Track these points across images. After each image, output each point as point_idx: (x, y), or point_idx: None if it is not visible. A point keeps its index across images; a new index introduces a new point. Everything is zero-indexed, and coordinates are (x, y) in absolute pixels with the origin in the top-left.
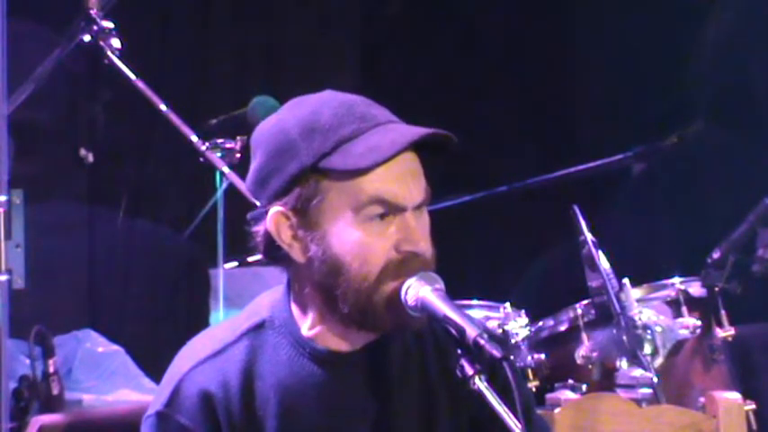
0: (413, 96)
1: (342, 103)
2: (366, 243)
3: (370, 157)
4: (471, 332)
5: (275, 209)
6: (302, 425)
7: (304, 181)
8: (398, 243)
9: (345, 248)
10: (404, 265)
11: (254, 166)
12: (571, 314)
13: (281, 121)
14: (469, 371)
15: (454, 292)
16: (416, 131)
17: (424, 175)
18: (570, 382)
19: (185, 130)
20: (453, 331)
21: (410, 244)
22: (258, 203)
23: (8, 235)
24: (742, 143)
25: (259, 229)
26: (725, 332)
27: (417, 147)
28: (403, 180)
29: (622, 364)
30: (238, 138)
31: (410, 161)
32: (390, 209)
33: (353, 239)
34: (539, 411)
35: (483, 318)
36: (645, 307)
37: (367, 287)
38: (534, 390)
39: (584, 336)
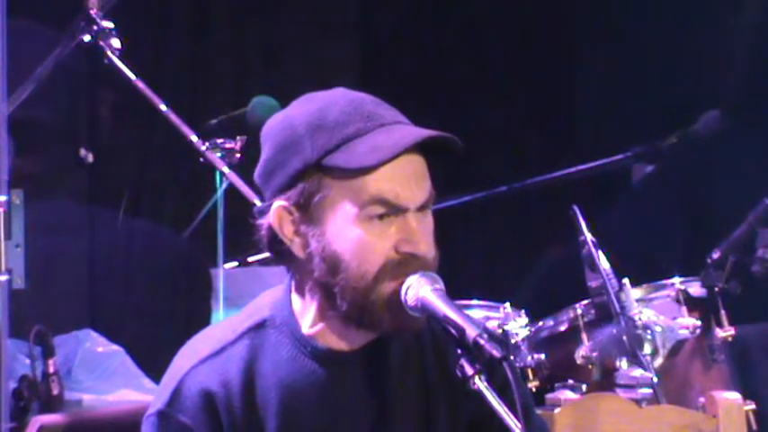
0: (413, 97)
1: (350, 101)
2: (366, 242)
3: (373, 157)
4: (471, 332)
5: (278, 203)
6: (303, 423)
7: (307, 177)
8: (398, 244)
9: (345, 246)
10: (402, 266)
11: (261, 159)
12: (571, 314)
13: (290, 116)
14: (469, 371)
15: (454, 292)
16: (420, 133)
17: (429, 177)
18: (570, 382)
19: (185, 130)
20: (453, 331)
21: (410, 245)
22: (263, 196)
23: (8, 235)
24: (749, 141)
25: (263, 222)
26: (725, 332)
27: (423, 148)
28: (406, 181)
29: (622, 364)
30: (238, 138)
31: (415, 162)
32: (392, 209)
33: (353, 237)
34: (538, 411)
35: (483, 318)
36: (645, 307)
37: (364, 286)
38: (534, 390)
39: (584, 336)
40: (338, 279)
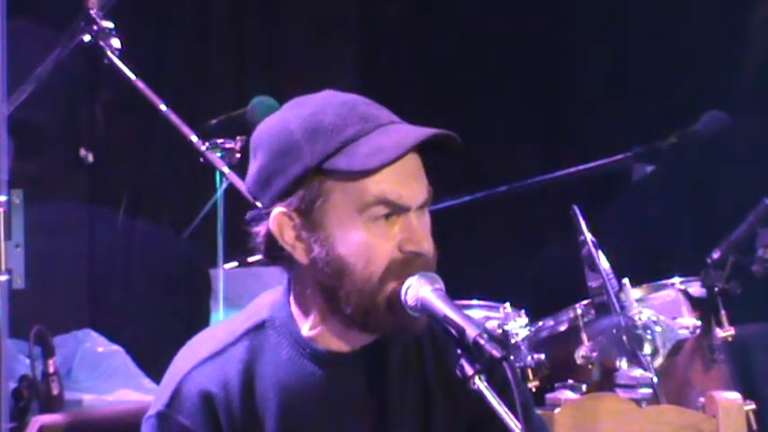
0: (413, 97)
1: (343, 104)
2: (370, 243)
3: (376, 159)
4: (471, 332)
5: (278, 210)
6: (302, 425)
7: (308, 182)
8: (402, 243)
9: (350, 249)
10: (407, 266)
11: (255, 166)
12: (571, 314)
13: (283, 121)
14: (469, 371)
15: (454, 292)
16: (421, 132)
17: (425, 175)
18: (570, 382)
19: (185, 130)
20: (453, 331)
21: (413, 244)
22: (259, 204)
23: (8, 235)
24: (749, 141)
25: (260, 229)
26: (725, 332)
27: (420, 146)
28: (407, 180)
29: (622, 364)
30: (238, 138)
31: (413, 161)
32: (395, 209)
33: (358, 240)
34: (538, 411)
35: (483, 318)
36: (645, 307)
37: (370, 288)
38: (534, 390)
39: (584, 336)
40: (344, 283)
